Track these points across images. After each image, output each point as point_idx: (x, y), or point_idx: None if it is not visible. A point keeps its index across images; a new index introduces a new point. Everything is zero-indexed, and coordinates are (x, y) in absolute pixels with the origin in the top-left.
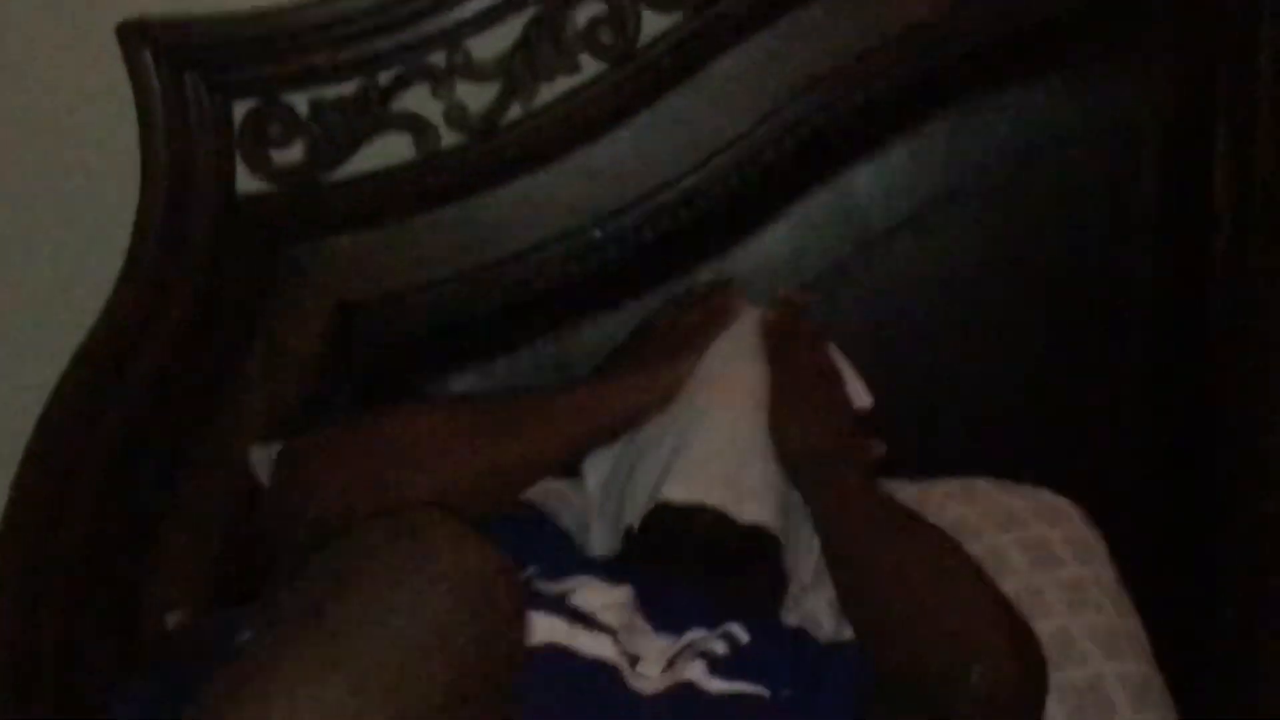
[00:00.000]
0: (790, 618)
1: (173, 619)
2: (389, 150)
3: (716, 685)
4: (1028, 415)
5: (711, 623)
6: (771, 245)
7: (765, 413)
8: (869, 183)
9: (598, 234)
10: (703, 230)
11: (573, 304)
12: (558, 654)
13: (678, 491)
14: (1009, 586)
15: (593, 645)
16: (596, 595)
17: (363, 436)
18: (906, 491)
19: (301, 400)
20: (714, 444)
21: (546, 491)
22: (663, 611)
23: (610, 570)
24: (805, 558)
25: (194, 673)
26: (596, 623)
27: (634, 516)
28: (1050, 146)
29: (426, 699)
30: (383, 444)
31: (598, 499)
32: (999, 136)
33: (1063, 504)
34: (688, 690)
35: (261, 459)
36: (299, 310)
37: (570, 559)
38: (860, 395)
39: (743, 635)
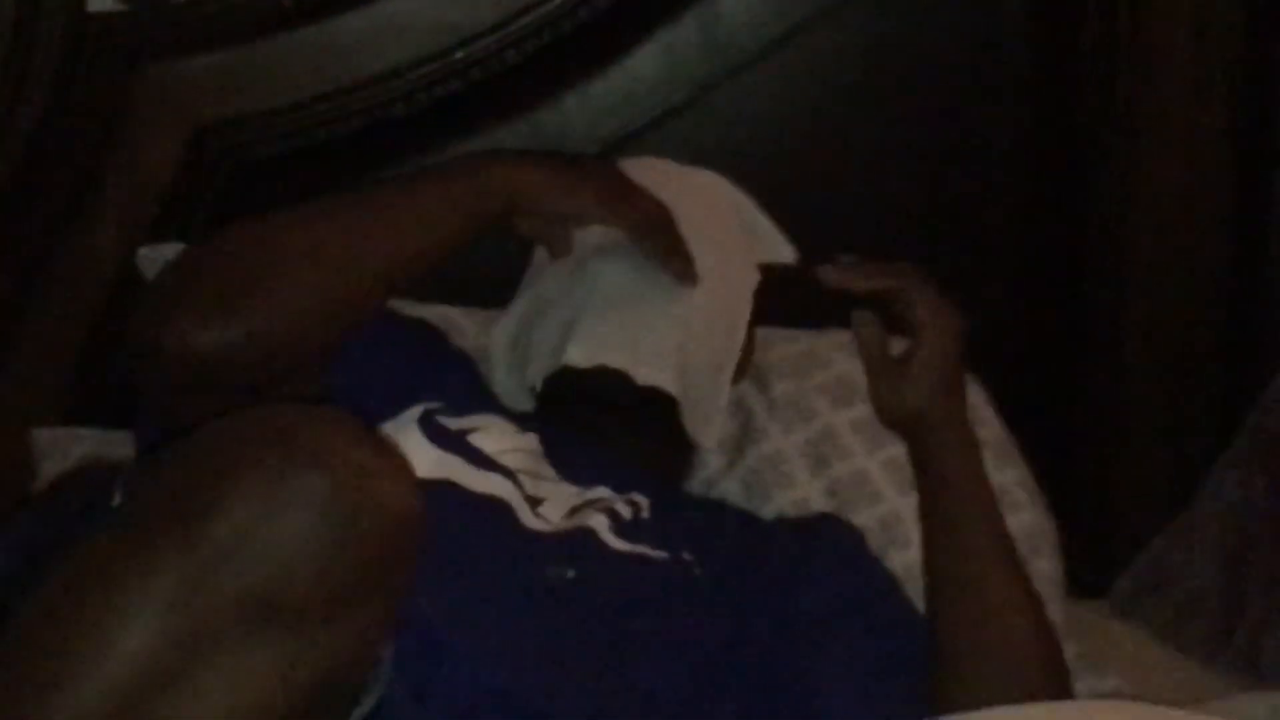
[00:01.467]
0: (769, 509)
1: (39, 437)
2: None
3: (617, 543)
4: (900, 239)
5: (618, 485)
6: (639, 70)
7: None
8: (736, 4)
9: (459, 56)
10: (568, 55)
11: (437, 129)
12: (447, 490)
13: (578, 355)
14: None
15: (485, 483)
16: (501, 438)
17: (211, 258)
18: (796, 341)
19: (153, 221)
20: (615, 304)
21: (445, 319)
22: (570, 464)
23: (518, 418)
24: (709, 428)
25: (63, 529)
26: (494, 463)
27: (536, 376)
28: None
29: (299, 621)
30: (230, 263)
31: (503, 355)
32: None
33: None
34: (588, 536)
35: (147, 257)
36: (154, 131)
37: (477, 396)
38: (783, 251)
39: (645, 507)
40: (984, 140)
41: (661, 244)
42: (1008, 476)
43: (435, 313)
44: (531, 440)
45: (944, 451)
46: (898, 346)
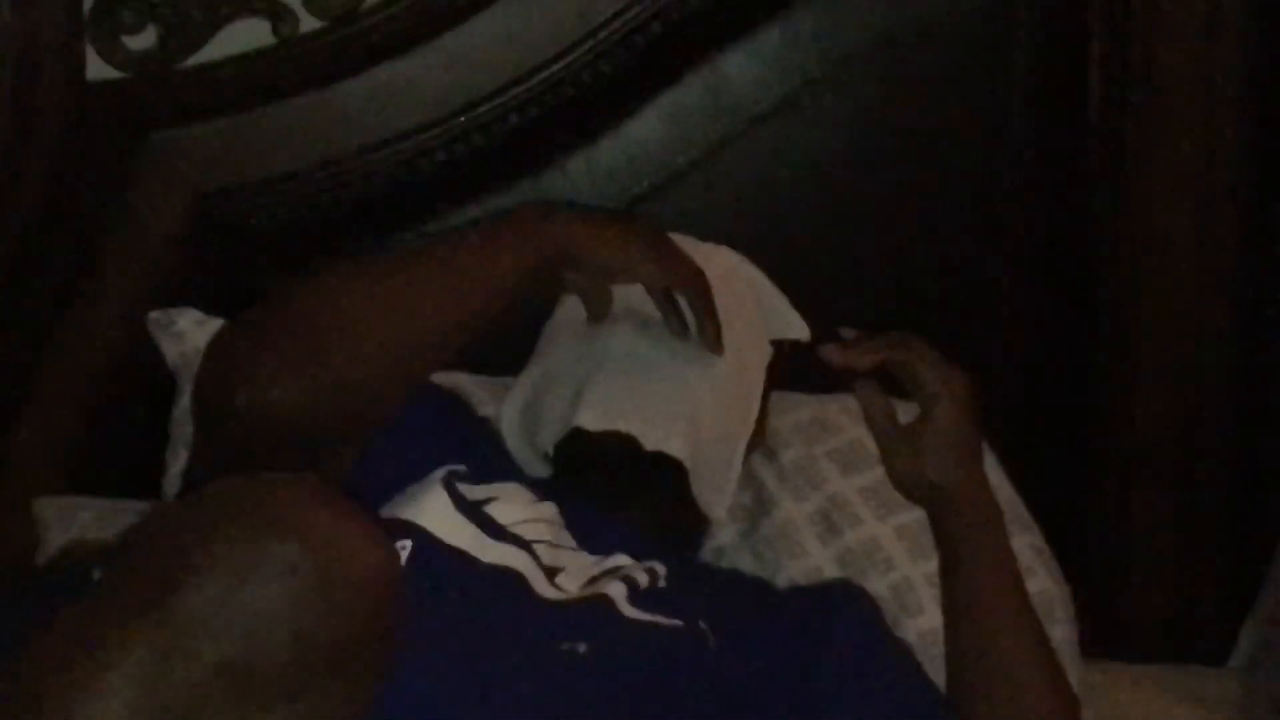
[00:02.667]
0: (782, 578)
1: (43, 507)
2: (246, 36)
3: (633, 612)
4: (908, 301)
5: (636, 553)
6: (643, 133)
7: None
8: (740, 67)
9: (461, 121)
10: (572, 118)
11: (440, 195)
12: (459, 560)
13: (589, 418)
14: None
15: (498, 554)
16: (518, 507)
17: (281, 316)
18: (803, 408)
19: (156, 290)
20: (627, 371)
21: (456, 386)
22: (588, 533)
23: (537, 485)
24: (719, 498)
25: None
26: (509, 534)
27: (548, 441)
28: (922, 27)
29: (274, 693)
30: (303, 321)
31: (515, 423)
32: (870, 16)
33: None
34: (603, 604)
35: (158, 321)
36: (156, 199)
37: (498, 463)
38: (797, 328)
39: (662, 575)
40: (990, 201)
41: (700, 306)
42: (1020, 541)
43: (446, 380)
44: (549, 509)
45: (965, 523)
46: (908, 412)
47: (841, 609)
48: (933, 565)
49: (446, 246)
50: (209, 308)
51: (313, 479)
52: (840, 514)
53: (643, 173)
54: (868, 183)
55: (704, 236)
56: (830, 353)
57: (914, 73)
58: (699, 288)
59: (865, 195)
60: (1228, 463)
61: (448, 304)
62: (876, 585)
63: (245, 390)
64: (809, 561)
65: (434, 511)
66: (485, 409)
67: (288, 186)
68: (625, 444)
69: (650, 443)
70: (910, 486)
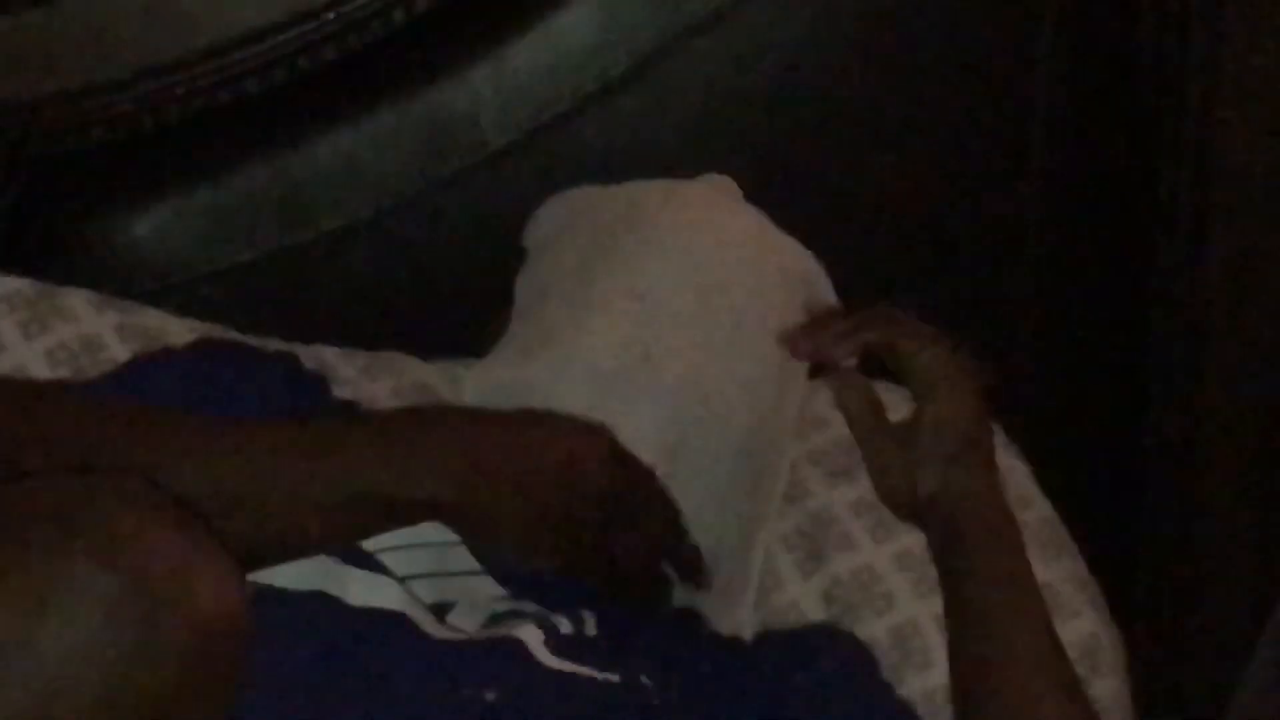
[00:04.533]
0: (748, 623)
1: None
2: None
3: (553, 661)
4: (896, 242)
5: (558, 599)
6: (568, 34)
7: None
8: None
9: (331, 17)
10: (477, 15)
11: (300, 114)
12: (319, 604)
13: None
14: None
15: (368, 588)
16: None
17: None
18: None
19: None
20: (645, 436)
21: (319, 362)
22: (492, 559)
23: None
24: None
25: None
26: (376, 562)
27: None
28: None
29: None
30: None
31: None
32: None
33: None
34: (514, 649)
35: None
36: None
37: None
38: (825, 291)
39: (591, 626)
40: (1015, 120)
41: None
42: (1057, 573)
43: (307, 355)
44: (434, 526)
45: (971, 543)
46: (898, 405)
47: (822, 660)
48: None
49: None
50: None
51: (140, 481)
52: (826, 534)
53: (566, 86)
54: (856, 97)
55: (642, 168)
56: (796, 344)
57: None
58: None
59: (853, 113)
60: None
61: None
62: (873, 629)
63: None
64: (785, 595)
65: None
66: (352, 392)
67: (97, 101)
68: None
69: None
70: (900, 499)
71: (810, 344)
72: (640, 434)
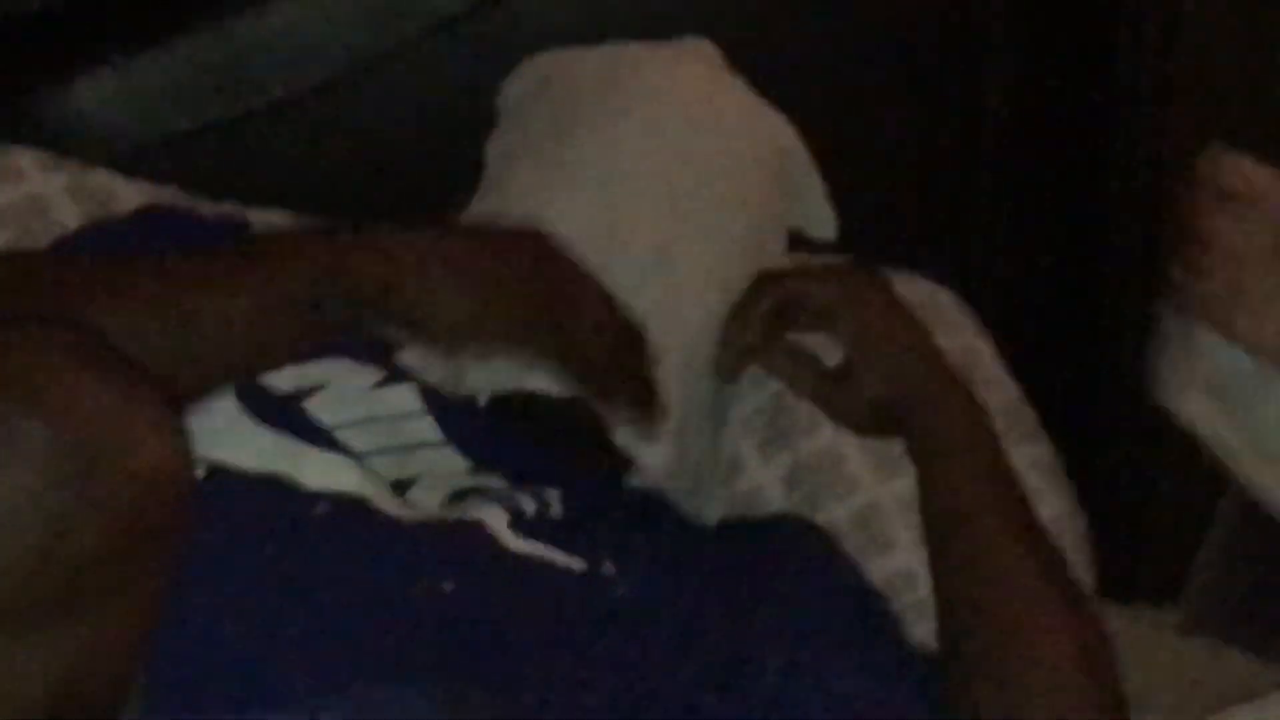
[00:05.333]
0: (716, 502)
1: None
2: None
3: (517, 544)
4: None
5: (525, 473)
6: None
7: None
8: None
9: None
10: None
11: (50, 55)
12: (272, 489)
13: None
14: None
15: (324, 469)
16: (353, 400)
17: None
18: None
19: None
20: None
21: (266, 225)
22: (458, 431)
23: (382, 359)
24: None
25: None
26: (336, 441)
27: (481, 383)
28: None
29: (17, 613)
30: None
31: None
32: None
33: (941, 296)
34: (475, 531)
35: None
36: None
37: None
38: (824, 223)
39: (555, 501)
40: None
41: (608, 390)
42: (1023, 456)
43: (258, 219)
44: (403, 395)
45: (941, 428)
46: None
47: (785, 549)
48: (906, 484)
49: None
50: None
51: (78, 333)
52: (788, 418)
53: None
54: (791, 42)
55: (600, 40)
56: (723, 360)
57: None
58: (598, 362)
59: (787, 62)
60: None
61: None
62: (835, 512)
63: None
64: (747, 480)
65: (224, 428)
66: None
67: None
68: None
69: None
70: (867, 422)
71: (735, 351)
72: None
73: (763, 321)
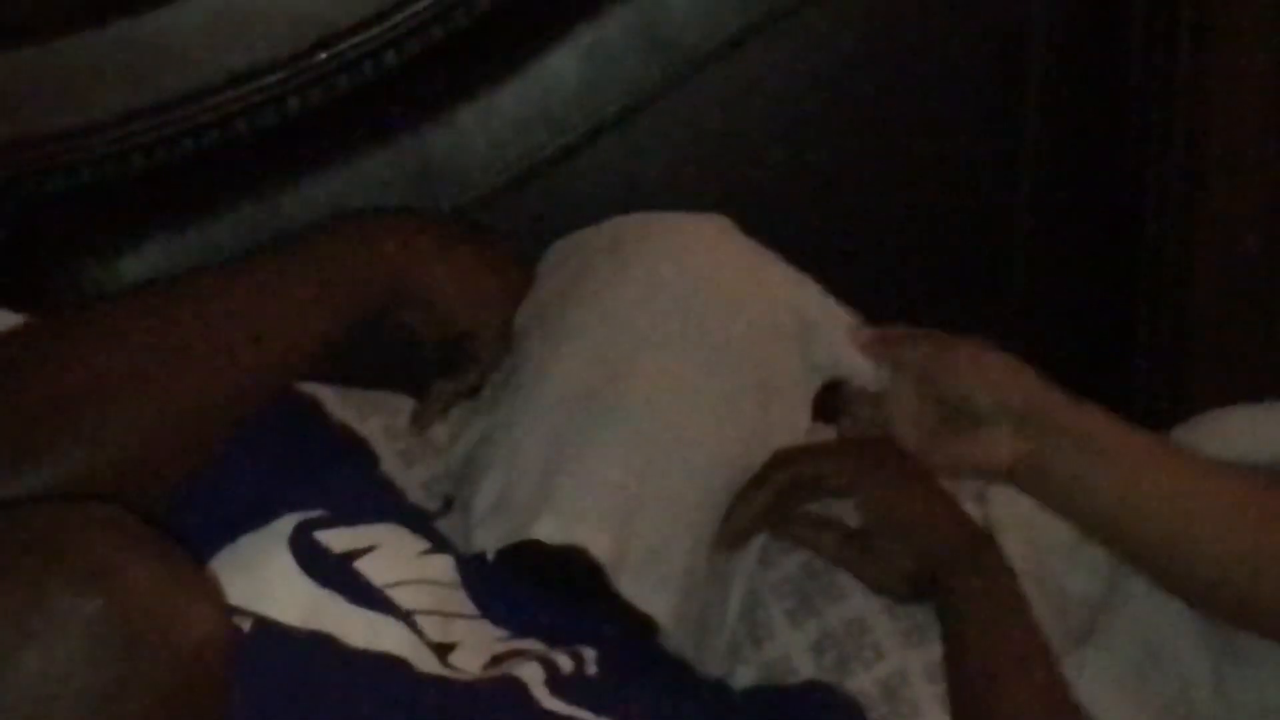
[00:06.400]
0: (745, 671)
1: None
2: None
3: (553, 703)
4: (881, 279)
5: (559, 635)
6: (557, 75)
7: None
8: None
9: (323, 58)
10: (465, 56)
11: (290, 154)
12: (319, 645)
13: (551, 529)
14: None
15: (371, 630)
16: (401, 562)
17: (21, 373)
18: None
19: None
20: (609, 459)
21: (331, 402)
22: (496, 601)
23: (428, 530)
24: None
25: None
26: (383, 600)
27: (489, 540)
28: None
29: None
30: (52, 383)
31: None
32: None
33: None
34: (514, 690)
35: None
36: None
37: (371, 497)
38: (862, 372)
39: (591, 661)
40: (976, 154)
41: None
42: None
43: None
44: (443, 565)
45: (964, 594)
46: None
47: (812, 716)
48: (933, 653)
49: (237, 281)
50: None
51: (121, 511)
52: (816, 585)
53: (555, 128)
54: (837, 137)
55: (628, 210)
56: (724, 537)
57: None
58: None
59: (835, 153)
60: None
61: (232, 364)
62: (861, 680)
63: None
64: (774, 648)
65: (276, 581)
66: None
67: (89, 141)
68: (586, 563)
69: (625, 586)
70: (898, 587)
71: (734, 534)
72: (606, 454)
73: (774, 500)
